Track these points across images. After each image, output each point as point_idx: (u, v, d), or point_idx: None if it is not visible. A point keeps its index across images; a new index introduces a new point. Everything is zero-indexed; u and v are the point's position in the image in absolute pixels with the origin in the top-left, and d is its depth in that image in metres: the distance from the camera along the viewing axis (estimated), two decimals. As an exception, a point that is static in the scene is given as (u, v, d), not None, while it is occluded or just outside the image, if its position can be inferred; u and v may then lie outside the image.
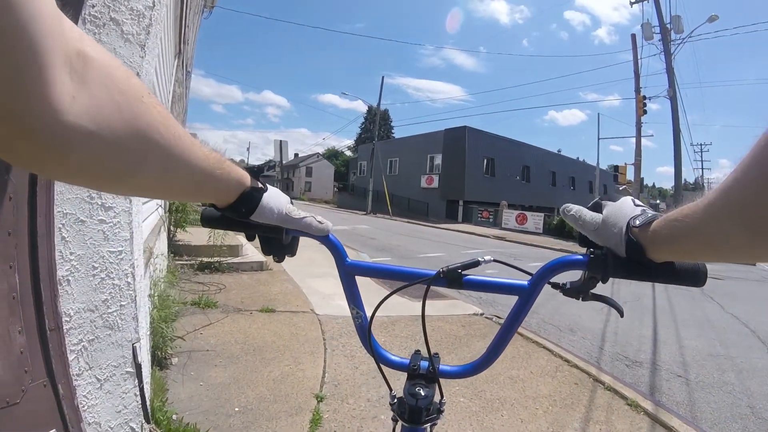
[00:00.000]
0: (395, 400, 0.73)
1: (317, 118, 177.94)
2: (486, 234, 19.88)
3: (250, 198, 0.64)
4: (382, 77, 33.88)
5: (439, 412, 0.72)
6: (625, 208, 0.62)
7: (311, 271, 6.47)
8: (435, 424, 0.73)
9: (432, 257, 10.55)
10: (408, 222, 24.30)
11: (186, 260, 5.89)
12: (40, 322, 1.43)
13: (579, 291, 0.68)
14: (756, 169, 0.40)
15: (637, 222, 0.58)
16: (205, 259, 5.89)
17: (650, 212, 0.59)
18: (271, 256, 0.76)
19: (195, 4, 5.28)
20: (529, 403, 2.96)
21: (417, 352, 0.78)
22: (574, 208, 0.69)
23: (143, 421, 1.84)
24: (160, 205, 4.85)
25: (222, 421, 2.30)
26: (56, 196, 1.52)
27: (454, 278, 0.71)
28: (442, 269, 0.71)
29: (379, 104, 32.39)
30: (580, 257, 0.66)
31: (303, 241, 0.78)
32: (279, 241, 0.73)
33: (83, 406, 1.60)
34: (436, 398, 0.73)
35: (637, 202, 0.63)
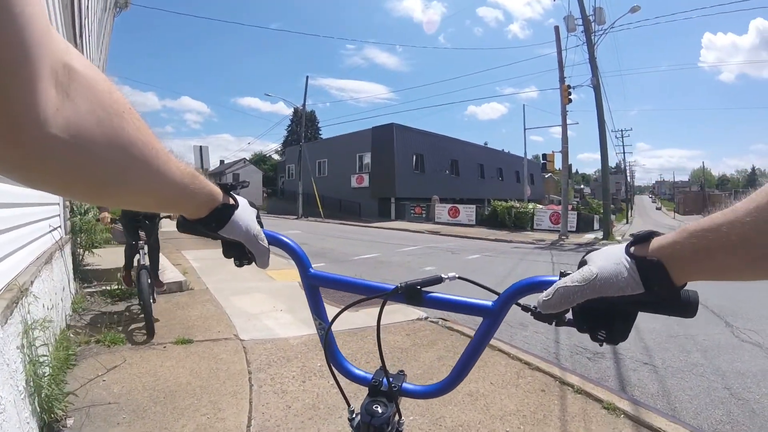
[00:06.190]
0: (354, 416, 0.69)
1: (240, 123, 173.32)
2: (420, 230, 19.80)
3: (221, 214, 0.66)
4: (306, 77, 33.04)
5: None
6: (613, 247, 0.53)
7: (236, 287, 5.80)
8: None
9: (367, 258, 10.07)
10: (340, 223, 23.72)
11: (96, 287, 5.08)
12: None
13: (551, 315, 0.56)
14: None
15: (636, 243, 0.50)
16: (117, 286, 4.99)
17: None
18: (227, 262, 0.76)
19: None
20: (497, 425, 2.54)
21: (382, 367, 0.71)
22: (560, 288, 0.52)
23: None
24: (54, 228, 3.93)
25: None
26: None
27: (413, 294, 0.67)
28: (400, 285, 0.68)
29: (304, 104, 31.24)
30: (553, 278, 0.57)
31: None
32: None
33: None
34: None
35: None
